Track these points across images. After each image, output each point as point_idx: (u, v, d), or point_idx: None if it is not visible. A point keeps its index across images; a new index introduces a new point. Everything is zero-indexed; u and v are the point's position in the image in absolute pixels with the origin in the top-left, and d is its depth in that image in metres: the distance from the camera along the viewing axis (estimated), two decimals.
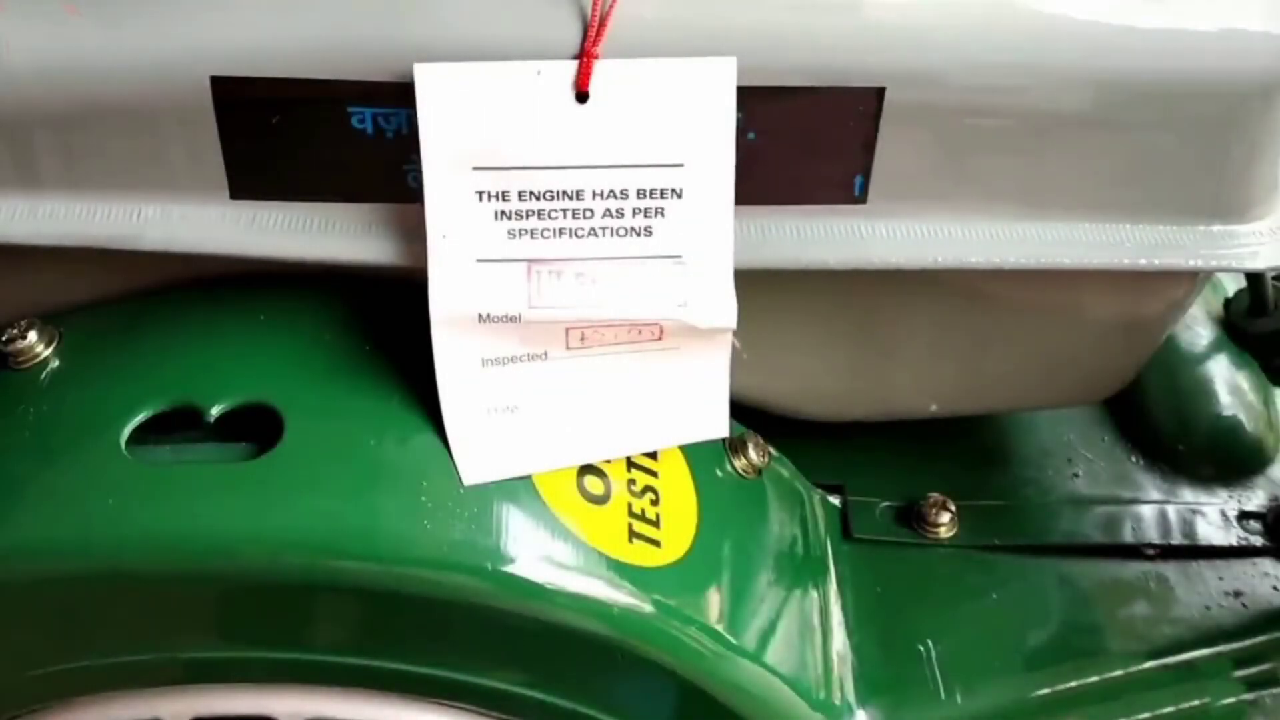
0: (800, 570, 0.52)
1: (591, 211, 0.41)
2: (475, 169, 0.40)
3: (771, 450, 0.52)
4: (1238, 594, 0.59)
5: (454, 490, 0.40)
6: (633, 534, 0.43)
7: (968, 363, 0.54)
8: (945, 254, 0.44)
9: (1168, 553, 0.60)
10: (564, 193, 0.40)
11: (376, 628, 0.42)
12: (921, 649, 0.54)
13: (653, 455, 0.46)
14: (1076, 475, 0.63)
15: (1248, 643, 0.57)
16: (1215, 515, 0.62)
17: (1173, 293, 0.51)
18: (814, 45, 0.40)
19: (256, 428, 0.41)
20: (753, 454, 0.50)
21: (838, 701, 0.49)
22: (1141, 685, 0.55)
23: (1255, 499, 0.63)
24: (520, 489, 0.41)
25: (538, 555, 0.40)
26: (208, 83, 0.39)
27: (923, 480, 0.60)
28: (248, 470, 0.39)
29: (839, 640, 0.52)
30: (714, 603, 0.44)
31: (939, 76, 0.41)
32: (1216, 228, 0.46)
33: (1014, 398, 0.58)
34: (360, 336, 0.44)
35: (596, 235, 0.41)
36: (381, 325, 0.44)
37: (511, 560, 0.40)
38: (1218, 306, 0.70)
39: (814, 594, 0.52)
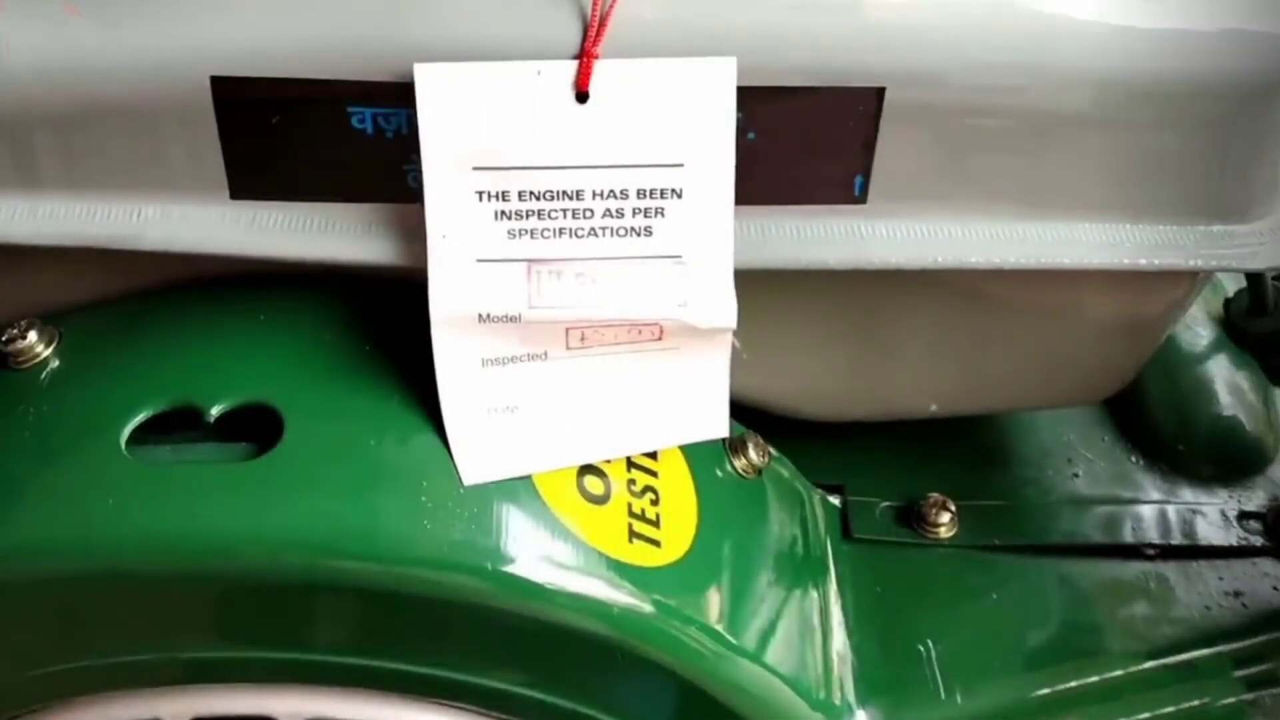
0: (800, 570, 0.52)
1: (591, 211, 0.41)
2: (475, 169, 0.40)
3: (771, 450, 0.52)
4: (1238, 594, 0.59)
5: (454, 490, 0.40)
6: (633, 534, 0.43)
7: (968, 363, 0.54)
8: (945, 254, 0.44)
9: (1168, 553, 0.60)
10: (564, 193, 0.40)
11: (376, 628, 0.42)
12: (921, 649, 0.54)
13: (653, 455, 0.46)
14: (1076, 475, 0.63)
15: (1248, 643, 0.57)
16: (1215, 515, 0.62)
17: (1173, 293, 0.51)
18: (814, 45, 0.40)
19: (256, 428, 0.41)
20: (753, 454, 0.50)
21: (838, 701, 0.49)
22: (1141, 685, 0.54)
23: (1255, 499, 0.63)
24: (520, 489, 0.41)
25: (538, 555, 0.40)
26: (208, 83, 0.39)
27: (923, 480, 0.60)
28: (248, 470, 0.39)
29: (839, 640, 0.52)
30: (714, 603, 0.44)
31: (939, 76, 0.41)
32: (1216, 228, 0.46)
33: (1014, 398, 0.58)
34: (360, 336, 0.44)
35: (596, 235, 0.41)
36: (381, 325, 0.44)
37: (511, 560, 0.40)
38: (1218, 306, 0.70)
39: (814, 594, 0.52)
